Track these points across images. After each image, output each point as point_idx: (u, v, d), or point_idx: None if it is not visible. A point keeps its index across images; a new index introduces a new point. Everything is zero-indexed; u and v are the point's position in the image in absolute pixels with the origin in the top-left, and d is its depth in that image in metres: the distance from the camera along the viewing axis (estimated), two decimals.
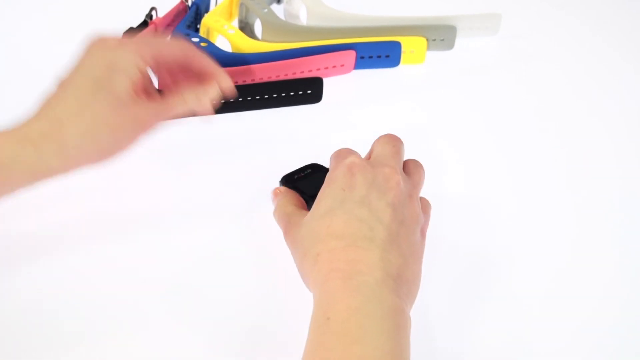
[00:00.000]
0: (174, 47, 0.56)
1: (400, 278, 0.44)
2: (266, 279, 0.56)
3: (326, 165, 0.64)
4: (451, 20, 0.89)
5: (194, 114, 0.59)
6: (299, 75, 0.79)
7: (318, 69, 0.80)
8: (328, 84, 0.79)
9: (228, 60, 0.77)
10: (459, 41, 0.89)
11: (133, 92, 0.52)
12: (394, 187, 0.48)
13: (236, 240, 0.60)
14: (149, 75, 0.56)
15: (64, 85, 0.52)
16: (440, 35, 0.88)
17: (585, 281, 0.58)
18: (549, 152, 0.74)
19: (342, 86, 0.82)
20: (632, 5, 1.07)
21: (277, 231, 0.60)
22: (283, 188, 0.58)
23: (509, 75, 0.87)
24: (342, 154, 0.52)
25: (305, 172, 0.63)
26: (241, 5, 0.87)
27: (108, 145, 0.52)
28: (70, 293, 0.53)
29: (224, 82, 0.59)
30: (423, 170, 0.55)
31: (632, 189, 0.69)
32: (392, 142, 0.54)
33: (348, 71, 0.83)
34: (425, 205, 0.54)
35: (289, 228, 0.51)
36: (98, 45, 0.53)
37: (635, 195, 0.68)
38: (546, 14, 1.03)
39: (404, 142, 0.54)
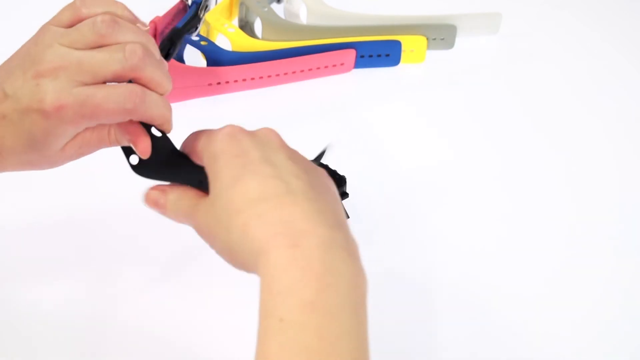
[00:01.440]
0: (114, 106, 0.45)
1: (341, 226, 0.41)
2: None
3: (323, 162, 0.64)
4: (451, 20, 0.89)
5: None
6: (298, 75, 0.79)
7: (318, 68, 0.80)
8: (328, 83, 0.79)
9: (228, 59, 0.77)
10: (459, 40, 0.89)
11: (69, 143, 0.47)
12: (281, 142, 0.45)
13: None
14: None
15: (8, 121, 0.45)
16: (440, 34, 0.88)
17: (585, 283, 0.58)
18: (548, 152, 0.74)
19: (342, 85, 0.82)
20: (632, 5, 1.07)
21: None
22: (161, 187, 0.47)
23: (509, 75, 0.87)
24: (213, 130, 0.46)
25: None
26: (241, 4, 0.87)
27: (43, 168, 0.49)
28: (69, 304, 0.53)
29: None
30: None
31: (632, 189, 0.69)
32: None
33: (348, 70, 0.83)
34: None
35: (195, 215, 0.44)
36: (35, 73, 0.45)
37: (634, 196, 0.68)
38: (546, 14, 1.03)
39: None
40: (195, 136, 0.47)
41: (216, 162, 0.43)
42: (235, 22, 0.89)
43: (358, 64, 0.83)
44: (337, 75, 0.82)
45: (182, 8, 0.86)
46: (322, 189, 0.43)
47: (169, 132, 0.48)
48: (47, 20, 0.47)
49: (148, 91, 0.46)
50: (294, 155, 0.45)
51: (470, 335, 0.53)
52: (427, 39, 0.86)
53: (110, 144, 0.49)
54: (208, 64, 0.77)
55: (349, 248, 0.39)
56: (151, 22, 0.80)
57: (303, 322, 0.35)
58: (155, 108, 0.46)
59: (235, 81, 0.76)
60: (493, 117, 0.79)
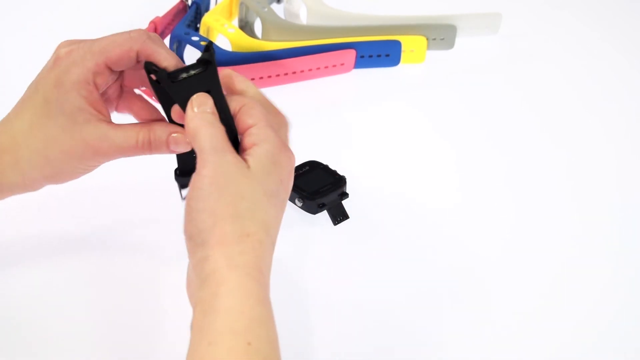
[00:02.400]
0: (121, 41, 0.48)
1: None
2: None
3: (324, 162, 0.64)
4: (451, 20, 0.89)
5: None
6: (298, 75, 0.79)
7: (318, 68, 0.80)
8: (328, 83, 0.79)
9: (228, 59, 0.77)
10: (459, 40, 0.89)
11: (88, 109, 0.48)
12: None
13: None
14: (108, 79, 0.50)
15: (23, 100, 0.49)
16: (440, 34, 0.88)
17: (584, 283, 0.58)
18: (548, 152, 0.74)
19: (342, 85, 0.82)
20: (632, 5, 1.07)
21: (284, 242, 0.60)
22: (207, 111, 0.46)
23: (508, 75, 0.87)
24: (275, 130, 0.46)
25: (304, 169, 0.63)
26: (241, 4, 0.87)
27: (61, 165, 0.49)
28: (67, 297, 0.53)
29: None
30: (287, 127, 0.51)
31: (632, 189, 0.69)
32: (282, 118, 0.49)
33: (348, 70, 0.83)
34: None
35: (221, 159, 0.43)
36: (52, 59, 0.49)
37: (635, 195, 0.68)
38: (546, 14, 1.03)
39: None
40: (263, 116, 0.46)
41: (276, 167, 0.44)
42: (235, 22, 0.89)
43: (358, 64, 0.83)
44: (337, 76, 0.82)
45: (182, 8, 0.86)
46: None
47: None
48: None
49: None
50: None
51: (470, 336, 0.53)
52: (427, 39, 0.86)
53: (141, 148, 0.49)
54: None
55: None
56: (151, 22, 0.80)
57: None
58: (158, 44, 0.48)
59: None
60: (493, 117, 0.79)
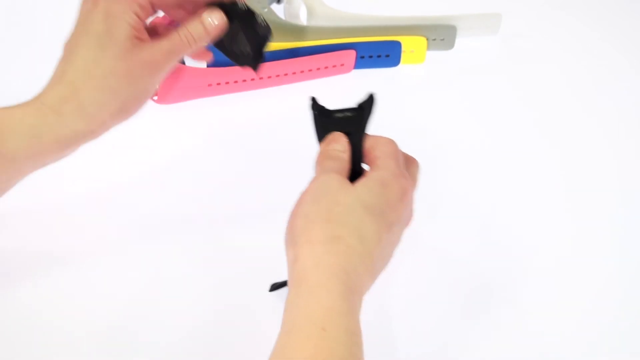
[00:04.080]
0: None
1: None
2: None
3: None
4: (451, 20, 0.89)
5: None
6: (298, 75, 0.79)
7: (318, 69, 0.80)
8: (328, 84, 0.79)
9: (228, 59, 0.77)
10: (459, 41, 0.89)
11: (135, 37, 0.51)
12: (408, 222, 0.49)
13: (240, 241, 0.60)
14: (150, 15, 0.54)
15: (70, 46, 0.51)
16: (440, 34, 0.88)
17: (584, 282, 0.58)
18: (549, 152, 0.74)
19: (342, 86, 0.82)
20: (632, 6, 1.07)
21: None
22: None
23: (508, 75, 0.87)
24: (399, 164, 0.50)
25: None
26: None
27: (127, 96, 0.51)
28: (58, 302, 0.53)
29: (212, 16, 0.55)
30: (418, 168, 0.54)
31: (631, 189, 0.69)
32: (397, 151, 0.52)
33: (348, 71, 0.83)
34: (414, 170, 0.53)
35: (326, 177, 0.47)
36: (89, 1, 0.51)
37: (634, 195, 0.68)
38: (546, 14, 1.03)
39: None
40: (394, 152, 0.50)
41: (383, 190, 0.46)
42: None
43: (358, 65, 0.83)
44: (337, 76, 0.82)
45: None
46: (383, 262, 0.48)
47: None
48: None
49: None
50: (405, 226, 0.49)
51: (470, 332, 0.53)
52: (427, 39, 0.86)
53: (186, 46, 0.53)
54: (208, 65, 0.77)
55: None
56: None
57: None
58: None
59: (236, 82, 0.76)
60: (493, 118, 0.79)
